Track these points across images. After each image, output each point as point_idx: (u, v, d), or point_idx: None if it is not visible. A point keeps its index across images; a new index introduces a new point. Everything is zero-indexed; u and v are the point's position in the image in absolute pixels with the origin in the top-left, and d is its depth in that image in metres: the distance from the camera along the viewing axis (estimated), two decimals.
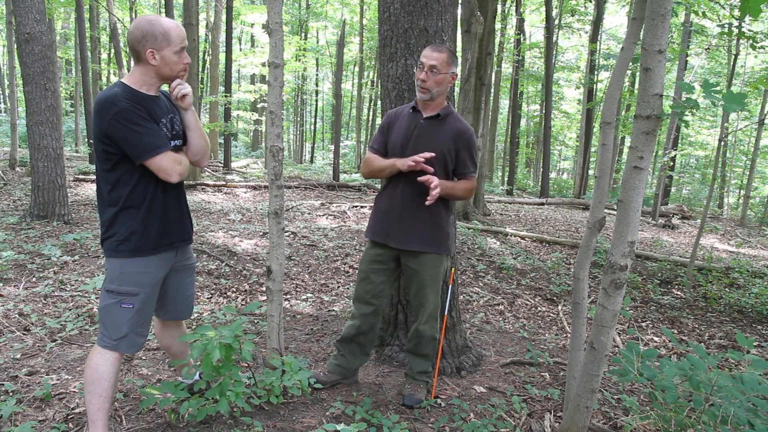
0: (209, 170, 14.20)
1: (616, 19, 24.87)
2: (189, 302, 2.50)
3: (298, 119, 30.95)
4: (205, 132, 2.37)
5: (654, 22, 1.89)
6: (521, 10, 18.26)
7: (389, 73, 3.26)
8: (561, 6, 19.41)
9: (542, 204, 14.83)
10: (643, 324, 4.98)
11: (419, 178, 2.54)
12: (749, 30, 6.28)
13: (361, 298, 2.83)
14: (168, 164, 2.09)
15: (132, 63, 2.20)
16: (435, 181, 2.52)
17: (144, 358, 3.21)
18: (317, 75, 27.53)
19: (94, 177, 2.16)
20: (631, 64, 2.27)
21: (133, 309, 2.14)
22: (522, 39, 18.68)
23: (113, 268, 2.14)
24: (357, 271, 2.92)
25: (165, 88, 2.27)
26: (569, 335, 3.65)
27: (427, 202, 2.53)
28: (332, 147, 19.17)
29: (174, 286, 2.38)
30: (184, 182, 2.34)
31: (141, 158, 2.05)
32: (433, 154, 2.56)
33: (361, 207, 9.61)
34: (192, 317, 3.95)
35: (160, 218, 2.19)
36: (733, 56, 12.42)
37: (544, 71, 17.08)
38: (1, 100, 23.93)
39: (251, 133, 29.34)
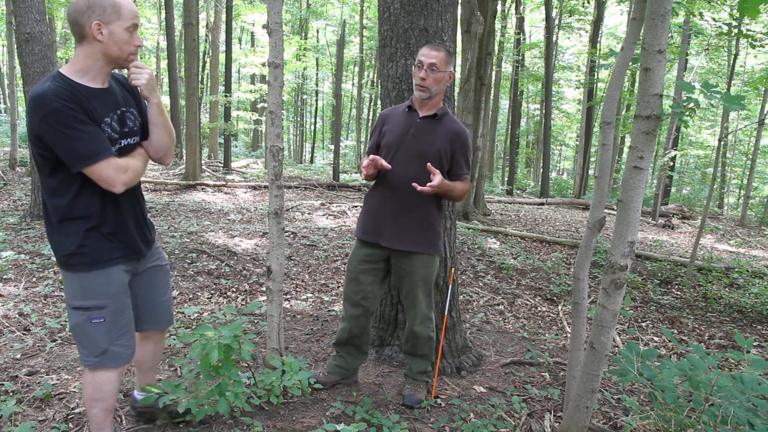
0: (209, 170, 14.20)
1: (617, 19, 24.88)
2: (165, 308, 2.28)
3: (298, 119, 30.95)
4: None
5: (654, 22, 1.89)
6: (521, 9, 18.26)
7: (389, 73, 3.26)
8: (561, 6, 19.41)
9: (542, 204, 14.84)
10: (643, 324, 4.98)
11: (429, 166, 2.53)
12: (748, 30, 6.28)
13: (351, 299, 2.82)
14: (109, 173, 1.83)
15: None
16: (438, 176, 2.51)
17: None
18: (317, 75, 27.53)
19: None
20: (631, 64, 2.28)
21: (105, 322, 1.95)
22: (522, 39, 18.69)
23: (72, 283, 1.94)
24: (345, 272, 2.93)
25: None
26: (569, 335, 3.65)
27: (418, 187, 2.51)
28: (332, 147, 19.17)
29: (143, 292, 2.16)
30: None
31: (77, 166, 1.81)
32: (388, 167, 2.59)
33: (361, 207, 9.59)
34: (192, 317, 3.95)
35: (115, 227, 1.96)
36: (733, 56, 12.42)
37: (544, 71, 17.08)
38: (1, 100, 23.93)
39: (251, 133, 29.34)
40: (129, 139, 2.01)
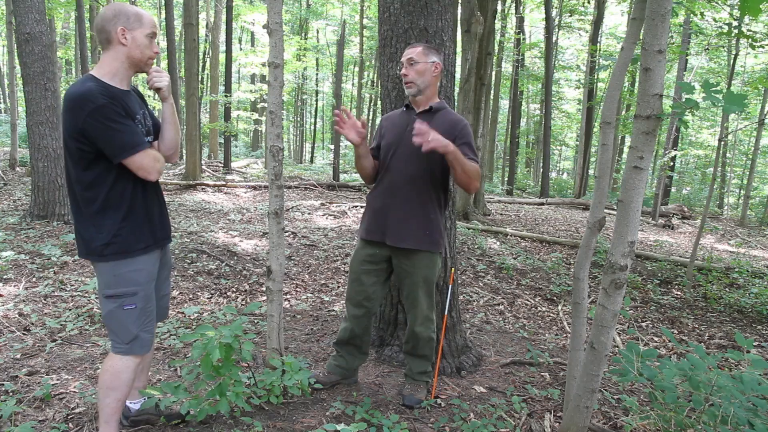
0: (209, 170, 14.20)
1: (617, 18, 24.87)
2: (165, 302, 2.41)
3: (298, 119, 30.95)
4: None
5: (654, 22, 1.89)
6: (521, 9, 18.26)
7: (389, 73, 3.26)
8: (561, 5, 19.40)
9: (542, 204, 14.84)
10: (643, 324, 4.98)
11: (417, 127, 2.41)
12: (749, 30, 6.28)
13: (353, 299, 2.82)
14: (148, 162, 2.03)
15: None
16: (433, 132, 2.40)
17: None
18: (317, 75, 27.52)
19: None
20: (630, 64, 2.27)
21: (137, 309, 2.09)
22: (522, 39, 18.67)
23: (105, 272, 2.06)
24: (345, 272, 2.93)
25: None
26: (569, 335, 3.65)
27: (415, 139, 2.39)
28: (332, 147, 19.17)
29: None
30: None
31: (120, 157, 1.98)
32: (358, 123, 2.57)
33: (361, 207, 9.60)
34: (192, 317, 3.95)
35: (143, 217, 2.11)
36: (733, 56, 12.42)
37: (544, 71, 17.07)
38: (1, 100, 23.93)
39: (251, 133, 29.34)
40: (149, 137, 2.19)
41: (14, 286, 4.31)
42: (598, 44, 17.64)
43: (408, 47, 2.69)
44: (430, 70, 2.64)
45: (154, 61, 2.14)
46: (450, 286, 3.11)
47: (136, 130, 2.03)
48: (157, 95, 2.23)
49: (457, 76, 6.42)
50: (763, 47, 6.32)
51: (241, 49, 23.72)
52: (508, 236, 8.24)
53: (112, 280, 2.06)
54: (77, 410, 2.52)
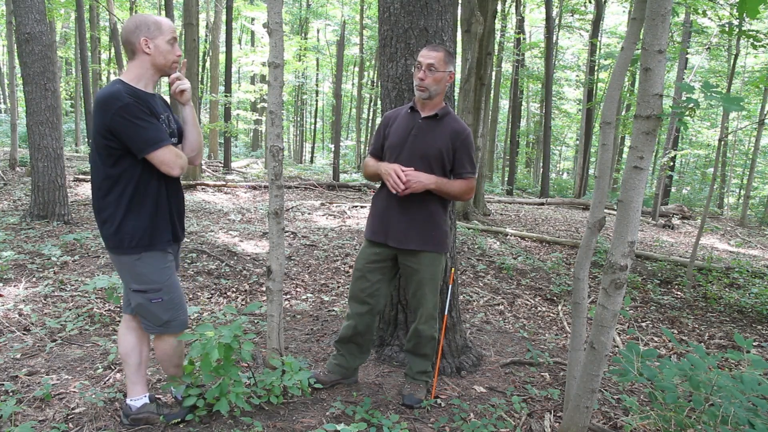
0: (209, 170, 14.19)
1: (617, 18, 24.87)
2: None
3: (298, 119, 30.94)
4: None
5: (654, 22, 1.89)
6: (521, 9, 18.25)
7: (389, 73, 3.26)
8: (561, 5, 19.39)
9: (542, 204, 14.83)
10: (643, 324, 4.98)
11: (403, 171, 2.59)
12: (750, 30, 6.27)
13: (356, 296, 2.83)
14: (170, 157, 2.14)
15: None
16: (409, 176, 2.57)
17: None
18: (317, 75, 27.52)
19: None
20: (631, 64, 2.28)
21: (163, 302, 2.25)
22: (522, 39, 18.67)
23: (127, 266, 2.19)
24: (352, 270, 2.93)
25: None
26: (569, 335, 3.65)
27: (395, 190, 2.58)
28: (332, 147, 19.17)
29: None
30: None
31: (144, 151, 2.09)
32: (412, 169, 2.61)
33: (361, 207, 9.61)
34: (192, 317, 3.95)
35: (166, 213, 2.24)
36: (733, 56, 12.42)
37: (545, 71, 17.07)
38: (1, 100, 23.92)
39: (251, 133, 29.34)
40: (173, 139, 2.30)
41: (14, 286, 4.31)
42: (598, 43, 17.63)
43: (427, 48, 2.64)
44: (446, 78, 2.65)
45: (179, 63, 2.26)
46: (450, 286, 3.11)
47: (159, 127, 2.14)
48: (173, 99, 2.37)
49: (457, 76, 6.42)
50: (765, 47, 6.30)
51: (241, 49, 23.70)
52: (508, 236, 8.24)
53: (136, 277, 2.21)
54: (77, 410, 2.52)
